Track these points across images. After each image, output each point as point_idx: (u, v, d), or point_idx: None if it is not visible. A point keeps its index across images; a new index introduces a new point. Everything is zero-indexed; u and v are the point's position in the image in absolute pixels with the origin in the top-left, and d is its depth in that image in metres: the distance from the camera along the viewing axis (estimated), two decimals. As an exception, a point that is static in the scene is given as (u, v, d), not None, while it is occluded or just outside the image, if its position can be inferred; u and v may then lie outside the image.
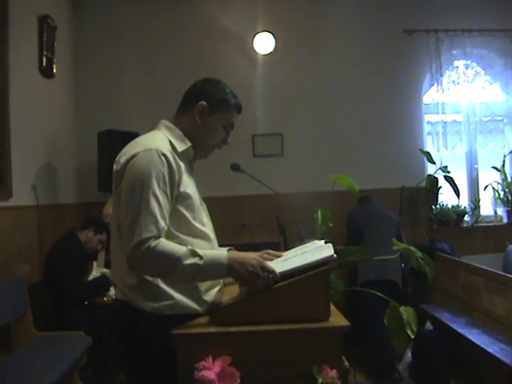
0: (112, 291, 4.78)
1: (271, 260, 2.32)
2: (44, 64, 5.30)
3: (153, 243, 1.99)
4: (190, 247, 2.06)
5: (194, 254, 2.04)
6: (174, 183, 2.13)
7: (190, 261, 2.02)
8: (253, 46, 6.50)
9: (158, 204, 2.04)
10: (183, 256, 2.02)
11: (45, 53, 5.29)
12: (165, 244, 2.03)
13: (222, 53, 6.51)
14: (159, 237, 2.02)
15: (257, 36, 6.47)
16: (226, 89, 2.36)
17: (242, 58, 6.56)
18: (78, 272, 4.78)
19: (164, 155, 2.10)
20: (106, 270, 4.95)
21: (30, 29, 5.12)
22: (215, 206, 4.89)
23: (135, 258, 1.99)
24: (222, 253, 2.18)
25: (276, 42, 6.49)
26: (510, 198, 6.88)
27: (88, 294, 4.72)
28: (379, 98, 6.67)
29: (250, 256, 2.17)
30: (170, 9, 6.47)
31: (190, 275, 2.05)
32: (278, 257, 2.39)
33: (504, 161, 6.98)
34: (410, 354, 5.11)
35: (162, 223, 2.05)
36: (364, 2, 6.69)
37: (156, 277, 2.09)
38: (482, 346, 4.15)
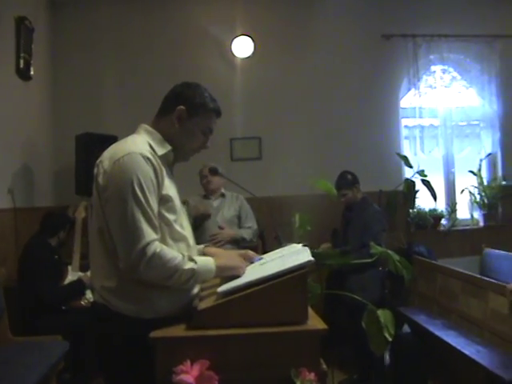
0: (89, 294, 4.75)
1: (251, 261, 2.42)
2: (21, 66, 5.25)
3: (158, 248, 2.04)
4: (184, 253, 2.14)
5: (190, 258, 2.13)
6: (159, 186, 2.15)
7: (187, 266, 2.10)
8: (231, 50, 6.50)
9: (150, 207, 2.08)
10: (182, 261, 2.09)
11: (22, 54, 5.24)
12: (166, 249, 2.09)
13: (201, 56, 6.50)
14: (158, 240, 2.07)
15: (235, 40, 6.47)
16: (204, 93, 2.36)
17: (220, 61, 6.56)
18: (53, 279, 4.74)
19: (148, 158, 2.12)
20: (81, 274, 4.92)
21: (6, 30, 5.07)
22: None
23: (142, 261, 2.02)
24: (208, 258, 2.26)
25: (255, 46, 6.49)
26: (486, 201, 6.95)
27: (64, 299, 4.69)
28: (357, 102, 6.70)
29: (227, 251, 2.44)
30: (149, 12, 6.46)
31: (186, 280, 2.11)
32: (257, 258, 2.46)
33: (480, 165, 7.04)
34: (387, 357, 5.14)
35: (157, 226, 2.11)
36: (342, 7, 6.71)
37: (156, 281, 2.10)
38: (459, 348, 4.18)
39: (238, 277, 2.21)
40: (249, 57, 6.54)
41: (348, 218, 5.35)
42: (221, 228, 4.92)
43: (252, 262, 2.41)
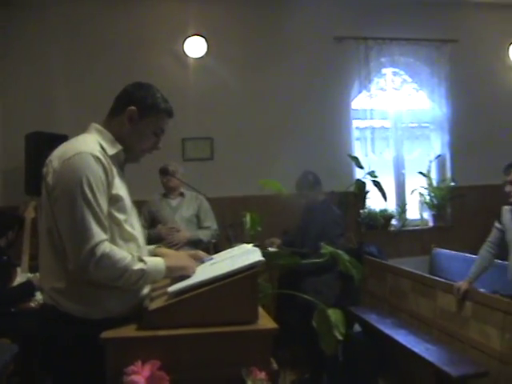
0: (39, 296, 4.68)
1: (201, 261, 2.43)
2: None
3: (107, 248, 2.03)
4: (134, 253, 2.13)
5: (139, 259, 2.11)
6: (108, 186, 2.13)
7: (137, 266, 2.09)
8: (184, 50, 6.47)
9: (100, 208, 2.06)
10: (132, 261, 2.08)
11: (-31, 52, 5.15)
12: (116, 249, 2.07)
13: (153, 56, 6.45)
14: (108, 240, 2.06)
15: (188, 39, 6.45)
16: (156, 94, 2.34)
17: (173, 61, 6.52)
18: (1, 280, 4.65)
19: (98, 158, 2.10)
20: (30, 275, 4.85)
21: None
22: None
23: (91, 262, 2.00)
24: (157, 258, 2.26)
25: (208, 46, 6.48)
26: (435, 202, 7.07)
27: (13, 301, 4.61)
28: (309, 103, 6.74)
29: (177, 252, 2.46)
30: (101, 11, 6.37)
31: (135, 280, 2.10)
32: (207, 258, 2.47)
33: (430, 166, 7.18)
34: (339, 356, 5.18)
35: (107, 226, 2.09)
36: (295, 9, 6.74)
37: (105, 282, 2.08)
38: (409, 346, 4.25)
39: (188, 277, 2.21)
40: (202, 57, 6.52)
41: (307, 219, 5.29)
42: (177, 230, 4.91)
43: (202, 262, 2.42)
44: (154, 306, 2.08)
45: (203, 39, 6.47)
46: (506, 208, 4.37)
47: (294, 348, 5.24)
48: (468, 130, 7.19)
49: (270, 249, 5.03)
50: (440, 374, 3.77)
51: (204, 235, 5.02)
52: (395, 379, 5.02)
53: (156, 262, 2.19)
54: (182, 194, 5.18)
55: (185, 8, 6.55)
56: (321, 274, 4.78)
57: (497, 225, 4.42)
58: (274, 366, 2.12)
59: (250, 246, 2.49)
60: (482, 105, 7.27)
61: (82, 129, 2.35)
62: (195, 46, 6.48)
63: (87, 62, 6.34)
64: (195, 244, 4.84)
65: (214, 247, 5.02)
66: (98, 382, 1.98)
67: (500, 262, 4.50)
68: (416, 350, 4.15)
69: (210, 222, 5.14)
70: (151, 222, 5.06)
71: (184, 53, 6.49)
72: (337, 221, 5.09)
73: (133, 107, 2.26)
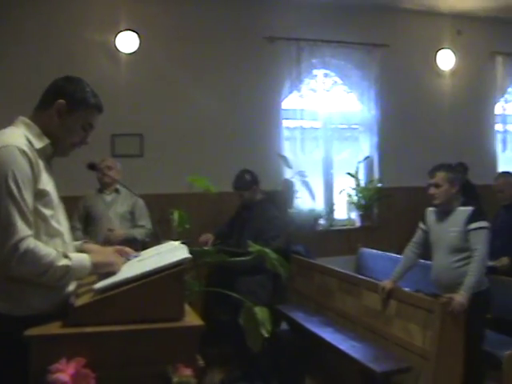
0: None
1: (127, 257, 2.43)
2: None
3: (31, 244, 1.99)
4: (59, 249, 2.11)
5: (64, 255, 2.09)
6: (35, 180, 2.10)
7: (61, 262, 2.06)
8: (115, 45, 6.38)
9: (25, 202, 2.03)
10: (56, 258, 2.04)
11: None
12: (40, 245, 2.04)
13: (84, 50, 6.32)
14: (32, 236, 2.03)
15: (120, 34, 6.35)
16: (86, 88, 2.31)
17: (104, 56, 6.39)
18: None
19: (24, 152, 2.06)
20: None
21: None
22: (72, 206, 4.79)
23: (14, 257, 1.96)
24: (83, 254, 2.24)
25: (140, 42, 6.40)
26: (362, 202, 7.19)
27: None
28: (240, 102, 6.76)
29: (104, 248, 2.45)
30: (33, 3, 6.21)
31: (60, 276, 2.07)
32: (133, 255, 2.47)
33: (358, 167, 7.30)
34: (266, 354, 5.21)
35: (32, 222, 2.06)
36: (228, 8, 6.75)
37: (29, 278, 2.05)
38: (335, 343, 4.31)
39: (114, 274, 2.19)
40: (134, 52, 6.43)
41: (245, 218, 5.29)
42: (110, 230, 4.87)
43: (129, 259, 2.41)
44: (79, 302, 2.05)
45: (136, 34, 6.39)
46: (429, 209, 4.48)
47: (222, 346, 5.24)
48: (396, 132, 7.37)
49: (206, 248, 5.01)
50: (365, 370, 3.85)
51: (139, 234, 5.04)
52: (322, 376, 5.08)
53: (81, 259, 2.17)
54: (117, 191, 5.17)
55: (117, 2, 6.46)
56: (255, 274, 4.80)
57: (421, 226, 4.53)
58: (201, 362, 2.13)
59: (177, 243, 2.49)
60: (409, 108, 7.46)
61: (9, 122, 2.30)
62: (127, 41, 6.38)
63: (15, 55, 6.16)
64: (129, 242, 4.80)
65: (142, 244, 4.99)
66: (21, 380, 1.94)
67: (423, 261, 4.61)
68: (342, 347, 4.21)
69: (145, 221, 5.14)
70: (86, 216, 5.01)
71: (116, 48, 6.39)
72: (275, 222, 5.10)
73: (61, 101, 2.23)
